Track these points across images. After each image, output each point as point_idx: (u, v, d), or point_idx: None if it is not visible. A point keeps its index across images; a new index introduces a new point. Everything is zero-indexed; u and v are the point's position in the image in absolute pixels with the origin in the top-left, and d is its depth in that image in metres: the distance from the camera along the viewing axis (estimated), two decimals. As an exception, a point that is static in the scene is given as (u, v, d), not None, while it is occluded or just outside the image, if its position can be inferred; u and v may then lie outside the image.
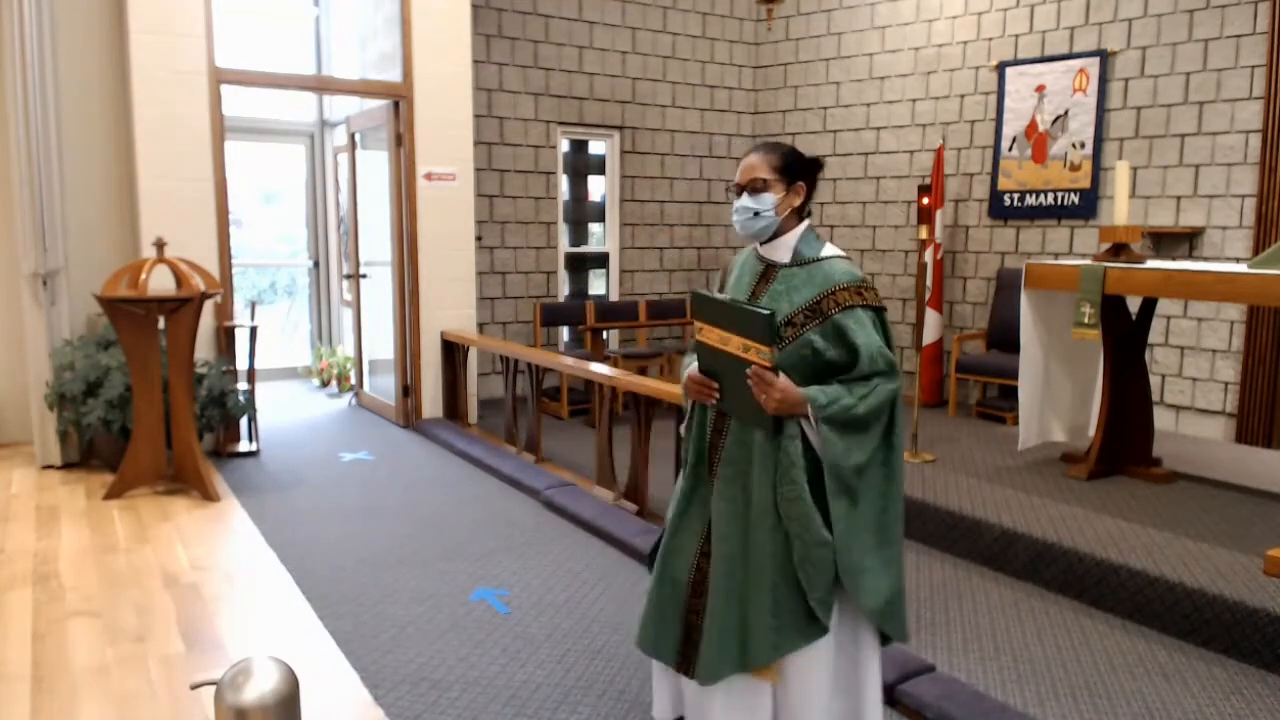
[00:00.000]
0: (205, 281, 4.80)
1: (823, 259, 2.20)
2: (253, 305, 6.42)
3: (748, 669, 2.19)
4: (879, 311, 2.16)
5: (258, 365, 5.92)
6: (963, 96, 7.07)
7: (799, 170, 2.23)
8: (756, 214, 2.20)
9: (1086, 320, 4.25)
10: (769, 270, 2.25)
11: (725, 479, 2.23)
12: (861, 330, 2.11)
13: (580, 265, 8.03)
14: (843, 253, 2.25)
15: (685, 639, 2.30)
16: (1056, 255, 6.62)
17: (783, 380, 2.06)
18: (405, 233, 6.30)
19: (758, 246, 2.29)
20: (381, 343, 6.82)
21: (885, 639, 2.28)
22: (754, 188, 2.20)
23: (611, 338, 7.80)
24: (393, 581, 3.70)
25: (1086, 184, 6.43)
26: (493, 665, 3.01)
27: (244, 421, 5.75)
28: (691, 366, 2.33)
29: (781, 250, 2.24)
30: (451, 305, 6.45)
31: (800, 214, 2.26)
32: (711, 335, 2.18)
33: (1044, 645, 3.20)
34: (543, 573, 3.82)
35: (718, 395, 2.21)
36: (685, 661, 2.30)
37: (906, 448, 5.03)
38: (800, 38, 7.97)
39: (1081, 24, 6.41)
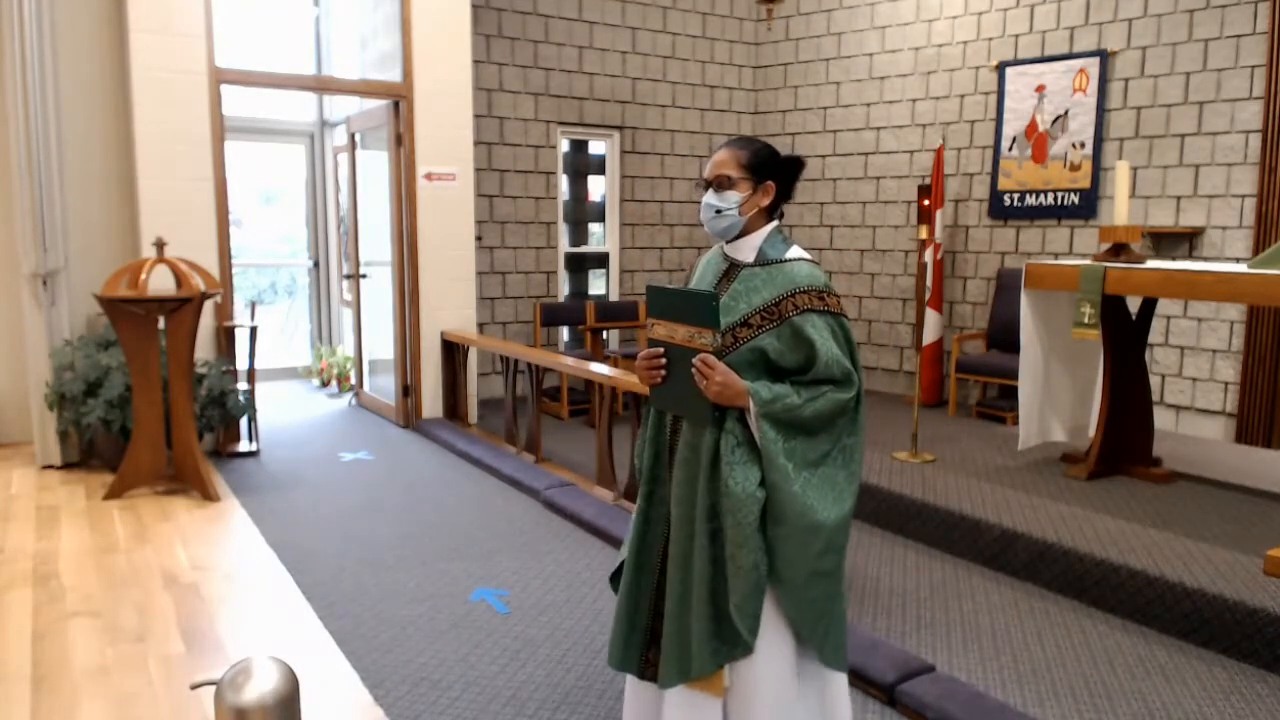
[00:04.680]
0: (205, 281, 4.80)
1: (786, 261, 2.11)
2: (253, 305, 6.42)
3: (689, 678, 2.09)
4: (840, 319, 2.06)
5: (258, 365, 5.92)
6: (963, 96, 7.07)
7: (770, 169, 2.14)
8: (719, 211, 2.12)
9: (1086, 320, 4.25)
10: (732, 269, 2.17)
11: (678, 481, 2.14)
12: (819, 335, 2.02)
13: (580, 265, 8.03)
14: (809, 256, 2.14)
15: (652, 647, 2.23)
16: (1056, 255, 6.62)
17: (724, 367, 2.01)
18: (405, 233, 6.30)
19: (723, 245, 2.21)
20: (381, 343, 6.82)
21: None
22: (720, 184, 2.12)
23: (611, 338, 7.80)
24: (393, 581, 3.70)
25: (1086, 184, 6.43)
26: (493, 665, 3.01)
27: (244, 421, 5.75)
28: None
29: (746, 250, 2.15)
30: (451, 305, 6.45)
31: (770, 214, 2.17)
32: (660, 330, 2.15)
33: (1044, 645, 3.20)
34: (543, 573, 3.82)
35: (664, 374, 2.12)
36: (651, 668, 2.23)
37: (907, 448, 5.09)
38: (800, 38, 7.97)
39: (1081, 24, 6.41)
